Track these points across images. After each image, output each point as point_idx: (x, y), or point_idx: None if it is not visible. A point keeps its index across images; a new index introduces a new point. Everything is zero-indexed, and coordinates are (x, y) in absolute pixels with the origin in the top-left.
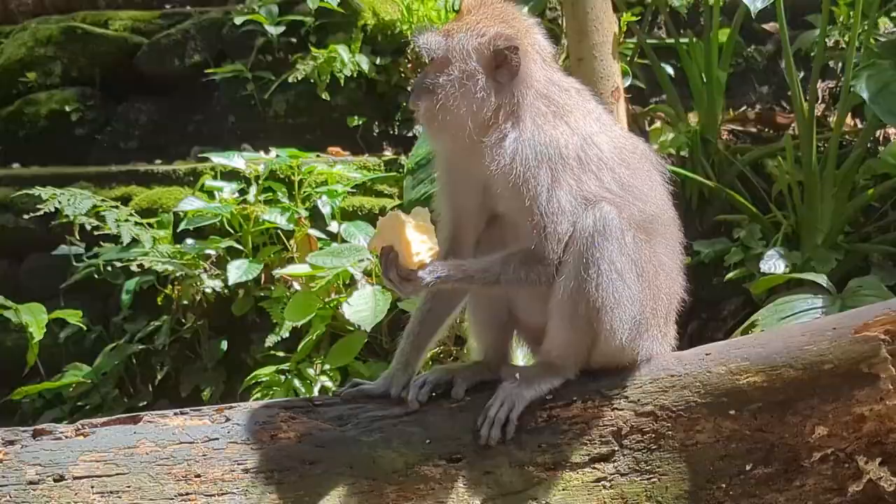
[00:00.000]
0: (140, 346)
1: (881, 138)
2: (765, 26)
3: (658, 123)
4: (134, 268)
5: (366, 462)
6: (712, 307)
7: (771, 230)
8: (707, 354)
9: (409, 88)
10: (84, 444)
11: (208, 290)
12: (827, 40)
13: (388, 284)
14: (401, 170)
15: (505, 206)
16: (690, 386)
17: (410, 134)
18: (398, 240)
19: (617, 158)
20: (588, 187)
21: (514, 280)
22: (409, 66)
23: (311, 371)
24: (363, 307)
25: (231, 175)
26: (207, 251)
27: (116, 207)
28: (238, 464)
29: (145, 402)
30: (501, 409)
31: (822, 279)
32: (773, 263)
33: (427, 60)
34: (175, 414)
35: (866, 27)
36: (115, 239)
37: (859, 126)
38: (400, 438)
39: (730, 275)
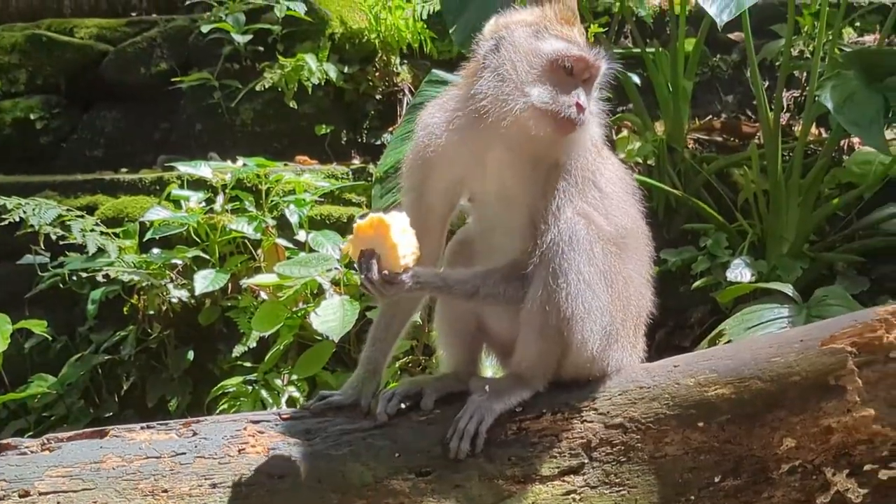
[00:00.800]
0: (106, 357)
1: (846, 147)
2: (730, 36)
3: (625, 132)
4: (100, 278)
5: (335, 476)
6: (679, 315)
7: (737, 239)
8: (676, 366)
9: (578, 107)
10: (50, 459)
11: (174, 300)
12: (792, 50)
13: (369, 287)
14: (369, 178)
15: (506, 217)
16: (659, 398)
17: (378, 142)
18: (382, 242)
19: (594, 171)
20: (578, 203)
21: (492, 294)
22: (377, 74)
23: (278, 381)
24: (331, 317)
25: (198, 184)
26: (174, 261)
27: (82, 217)
28: (206, 478)
29: (111, 413)
30: (471, 421)
31: (788, 288)
32: (740, 272)
33: (583, 79)
34: (142, 428)
35: (831, 37)
36: (80, 248)
37: (824, 135)
38: (369, 452)
39: (696, 283)
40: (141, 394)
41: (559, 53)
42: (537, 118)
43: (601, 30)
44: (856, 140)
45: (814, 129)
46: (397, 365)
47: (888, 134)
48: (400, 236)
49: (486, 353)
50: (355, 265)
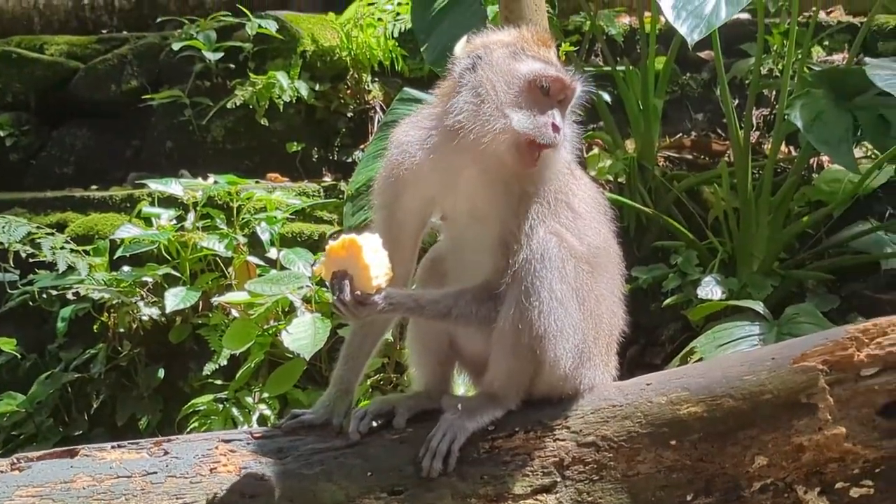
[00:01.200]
0: (75, 375)
1: (815, 166)
2: (700, 54)
3: (596, 150)
4: (70, 295)
5: (307, 495)
6: (650, 332)
7: (707, 256)
8: (648, 384)
9: (554, 128)
10: (20, 479)
11: (145, 318)
12: (761, 69)
13: (341, 308)
14: (340, 196)
15: (478, 236)
16: (632, 416)
17: (350, 160)
18: (355, 263)
19: (567, 192)
20: (551, 223)
21: (465, 314)
22: (349, 92)
23: (249, 399)
24: (302, 335)
25: (168, 201)
26: (144, 278)
27: (52, 234)
28: (177, 498)
29: (81, 432)
30: (443, 440)
31: (758, 306)
32: (710, 290)
33: (558, 100)
34: (112, 447)
35: (800, 56)
36: (50, 266)
37: (794, 154)
38: (341, 471)
39: (668, 300)
40: (111, 412)
41: (536, 74)
42: (514, 140)
43: (572, 48)
44: (825, 158)
45: (783, 148)
46: (369, 383)
47: (857, 152)
48: (372, 257)
49: (459, 372)
50: (328, 286)
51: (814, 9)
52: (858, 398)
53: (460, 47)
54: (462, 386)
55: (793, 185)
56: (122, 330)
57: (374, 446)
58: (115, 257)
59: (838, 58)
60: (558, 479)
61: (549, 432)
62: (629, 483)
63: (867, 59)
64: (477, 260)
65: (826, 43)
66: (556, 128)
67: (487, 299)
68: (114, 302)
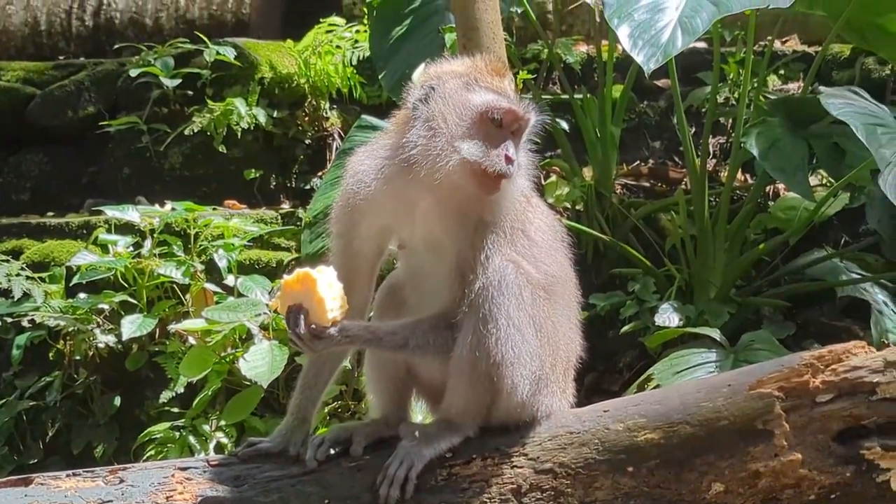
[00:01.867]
0: (30, 403)
1: (771, 193)
2: (657, 83)
3: (553, 178)
4: (25, 322)
5: None
6: (608, 359)
7: (665, 283)
8: (605, 411)
9: (507, 159)
10: None
11: (101, 345)
12: (717, 97)
13: (297, 342)
14: (298, 223)
15: (435, 265)
16: (589, 443)
17: (308, 187)
18: (310, 297)
19: (523, 220)
20: (507, 251)
21: (421, 345)
22: (307, 119)
23: (206, 427)
24: (260, 362)
25: (125, 228)
26: (101, 305)
27: (7, 261)
28: None
29: (36, 460)
30: (401, 467)
31: (715, 333)
32: (668, 317)
33: (512, 130)
34: (68, 475)
35: (756, 85)
36: (5, 293)
37: (750, 181)
38: (298, 499)
39: (625, 328)
40: (66, 440)
41: (489, 106)
42: (467, 173)
43: (530, 76)
44: (781, 186)
45: (740, 175)
46: (326, 410)
47: (812, 180)
48: (327, 290)
49: (416, 399)
50: (284, 320)
51: (769, 38)
52: (814, 424)
53: (418, 75)
54: (420, 413)
55: (749, 213)
56: (77, 357)
57: (332, 474)
58: (71, 284)
59: (793, 86)
60: None
61: (506, 459)
62: None
63: (822, 88)
64: (434, 289)
65: (781, 72)
66: (509, 159)
67: (444, 329)
68: (70, 329)
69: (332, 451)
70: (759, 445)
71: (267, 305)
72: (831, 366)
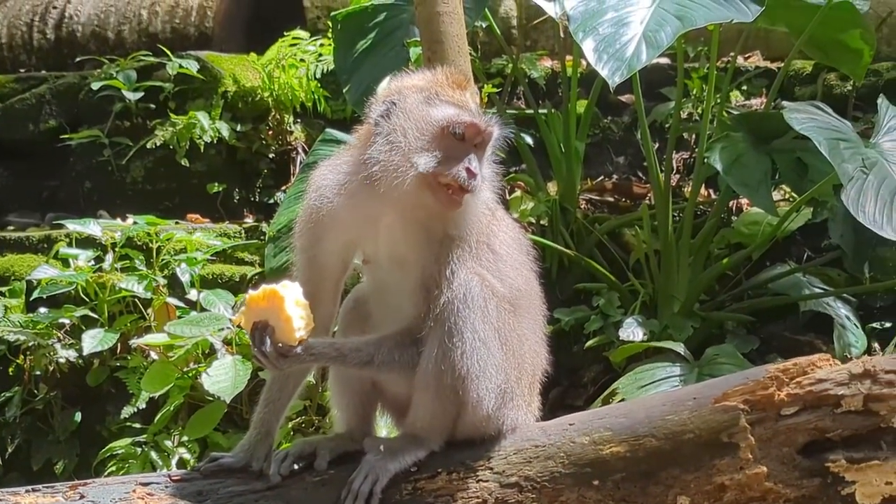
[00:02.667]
0: None
1: (734, 208)
2: (621, 98)
3: (518, 192)
4: None
5: None
6: (573, 374)
7: (629, 298)
8: (571, 424)
9: (469, 173)
10: None
11: (62, 360)
12: (681, 113)
13: (262, 360)
14: (262, 237)
15: (400, 280)
16: (555, 456)
17: (271, 201)
18: (276, 315)
19: (488, 234)
20: (472, 265)
21: (387, 362)
22: (270, 133)
23: (168, 443)
24: (223, 377)
25: (87, 242)
26: (61, 320)
27: None
28: None
29: None
30: (365, 482)
31: (679, 347)
32: (632, 331)
33: (474, 144)
34: (27, 491)
35: (719, 100)
36: None
37: (713, 196)
38: None
39: (589, 342)
40: (26, 456)
41: (449, 120)
42: (428, 188)
43: (495, 90)
44: (744, 201)
45: (703, 191)
46: (290, 426)
47: (775, 195)
48: (293, 308)
49: (381, 413)
50: (249, 338)
51: (732, 54)
52: (779, 437)
53: (383, 89)
54: (385, 427)
55: (712, 228)
56: (38, 372)
57: (296, 489)
58: (31, 299)
59: (756, 102)
60: None
61: (472, 473)
62: None
63: (785, 103)
64: (399, 303)
65: (744, 87)
66: (471, 173)
67: (410, 344)
68: (30, 344)
69: (295, 466)
70: (724, 458)
71: (230, 320)
72: (796, 378)
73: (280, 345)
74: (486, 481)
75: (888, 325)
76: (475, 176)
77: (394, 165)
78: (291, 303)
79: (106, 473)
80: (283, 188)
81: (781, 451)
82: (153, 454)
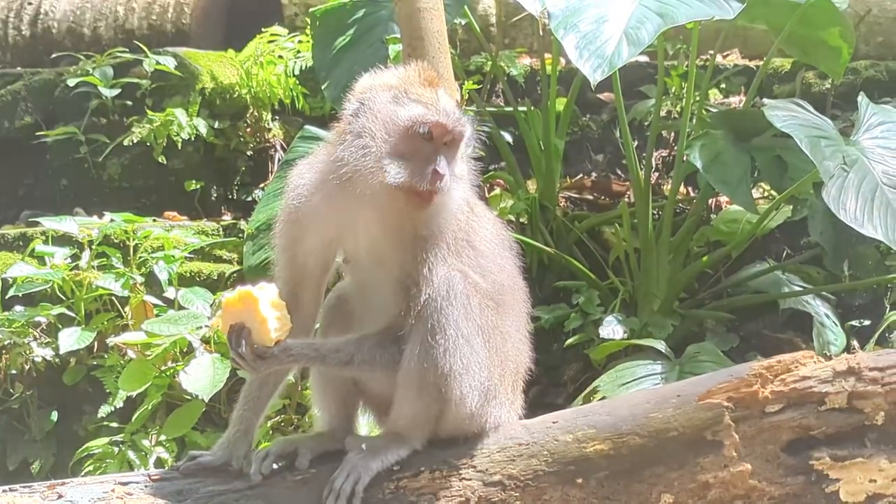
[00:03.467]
0: None
1: (714, 206)
2: (600, 96)
3: (497, 190)
4: None
5: None
6: (553, 372)
7: (609, 296)
8: (554, 422)
9: (435, 174)
10: None
11: (38, 359)
12: (661, 110)
13: (240, 362)
14: (240, 235)
15: (380, 279)
16: (538, 455)
17: (249, 199)
18: (252, 317)
19: (467, 231)
20: (453, 262)
21: (367, 361)
22: (248, 130)
23: (146, 442)
24: (201, 376)
25: (63, 240)
26: (37, 318)
27: None
28: None
29: None
30: (347, 480)
31: (660, 345)
32: (612, 329)
33: (444, 142)
34: (4, 491)
35: (698, 98)
36: None
37: (693, 194)
38: None
39: (569, 340)
40: (2, 457)
41: (416, 120)
42: (394, 192)
43: (475, 86)
44: (724, 199)
45: (683, 188)
46: (269, 424)
47: (755, 193)
48: (269, 310)
49: (363, 411)
50: (226, 340)
51: (711, 52)
52: (763, 435)
53: (357, 86)
54: (366, 426)
55: (692, 226)
56: (13, 371)
57: (277, 488)
58: (6, 297)
59: (735, 100)
60: None
61: (454, 472)
62: None
63: (766, 101)
64: (380, 301)
65: (723, 85)
66: (437, 174)
67: (391, 343)
68: (5, 343)
69: (276, 465)
70: (708, 456)
71: (209, 318)
72: (780, 376)
73: (257, 347)
74: (470, 480)
75: (867, 322)
76: (442, 177)
77: (365, 167)
78: (267, 304)
79: (83, 473)
80: (262, 185)
81: (766, 448)
82: (131, 453)
